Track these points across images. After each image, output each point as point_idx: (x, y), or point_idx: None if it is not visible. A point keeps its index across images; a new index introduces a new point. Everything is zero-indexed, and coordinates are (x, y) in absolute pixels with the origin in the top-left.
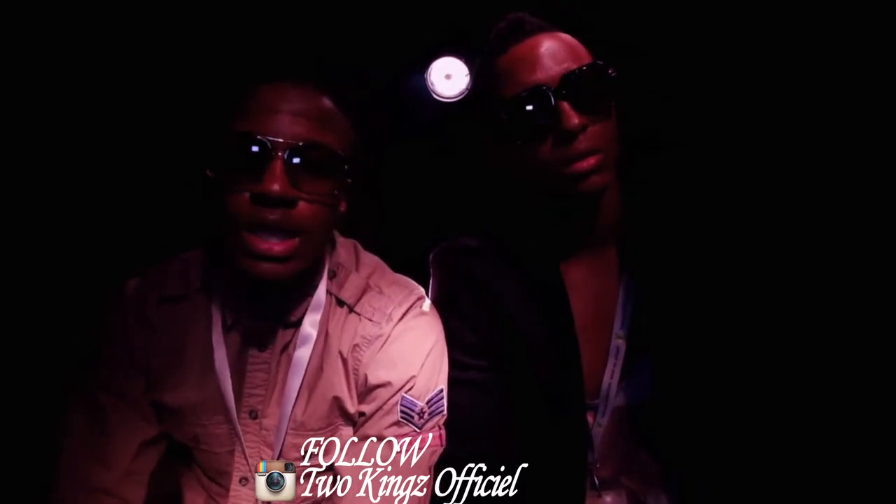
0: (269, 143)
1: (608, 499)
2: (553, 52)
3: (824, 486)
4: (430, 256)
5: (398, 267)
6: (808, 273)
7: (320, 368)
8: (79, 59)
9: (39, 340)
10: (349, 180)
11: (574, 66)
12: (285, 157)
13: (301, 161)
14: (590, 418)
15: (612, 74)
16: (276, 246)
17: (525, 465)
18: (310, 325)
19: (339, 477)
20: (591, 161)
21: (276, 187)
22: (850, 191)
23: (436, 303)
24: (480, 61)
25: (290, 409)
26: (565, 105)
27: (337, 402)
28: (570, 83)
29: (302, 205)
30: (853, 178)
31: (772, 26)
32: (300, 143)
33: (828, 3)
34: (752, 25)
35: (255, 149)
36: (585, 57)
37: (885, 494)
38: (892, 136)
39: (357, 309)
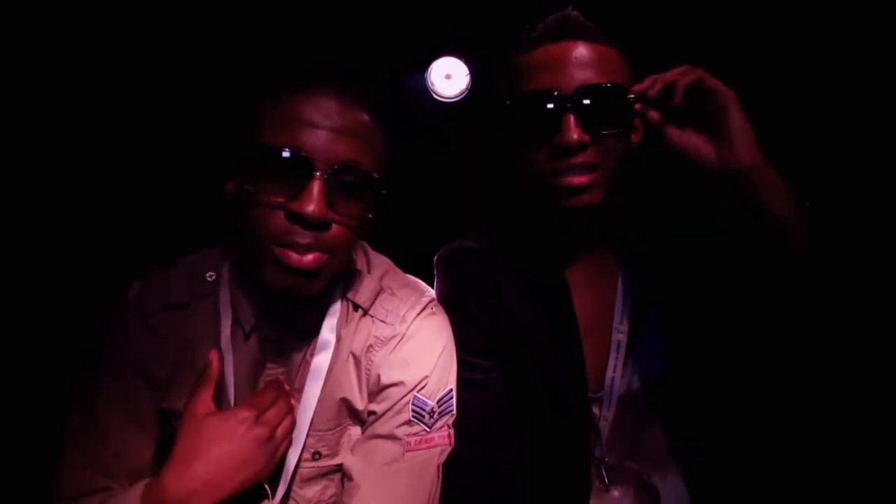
0: (308, 161)
1: (615, 493)
2: (582, 61)
3: (828, 463)
4: (435, 258)
5: (398, 267)
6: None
7: (331, 370)
8: (92, 62)
9: (42, 343)
10: (383, 200)
11: (595, 81)
12: (325, 177)
13: (339, 183)
14: (596, 411)
15: (631, 97)
16: (305, 258)
17: (531, 462)
18: (328, 332)
19: (348, 476)
20: (583, 179)
21: (312, 208)
22: (850, 188)
23: (442, 303)
24: (514, 51)
25: (311, 414)
26: (570, 117)
27: (345, 403)
28: (583, 96)
29: (334, 226)
30: (854, 177)
31: (772, 28)
32: (340, 165)
33: (827, 4)
34: (752, 28)
35: (292, 165)
36: (617, 74)
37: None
38: (892, 137)
39: (371, 312)
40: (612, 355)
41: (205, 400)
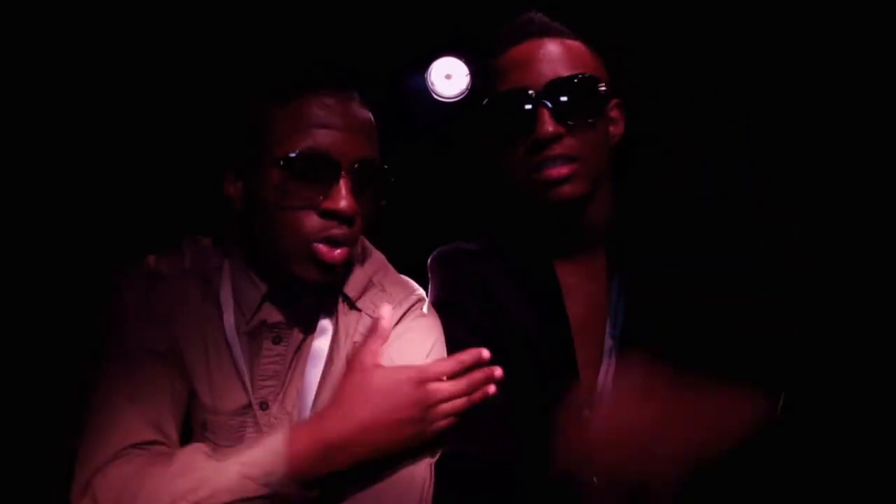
0: (334, 161)
1: (609, 495)
2: (550, 57)
3: (820, 482)
4: (429, 260)
5: (396, 267)
6: (811, 276)
7: (331, 362)
8: (99, 61)
9: (42, 342)
10: (388, 188)
11: (565, 74)
12: (349, 174)
13: (360, 177)
14: (586, 414)
15: (603, 87)
16: (337, 253)
17: (528, 462)
18: (326, 319)
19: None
20: (562, 170)
21: (344, 204)
22: (854, 194)
23: (435, 305)
24: (485, 58)
25: (311, 399)
26: (544, 112)
27: None
28: (553, 90)
29: (358, 218)
30: (858, 182)
31: (769, 27)
32: (360, 161)
33: (827, 3)
34: (748, 26)
35: (321, 167)
36: (586, 66)
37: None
38: (891, 137)
39: (359, 304)
40: (605, 360)
41: (374, 352)
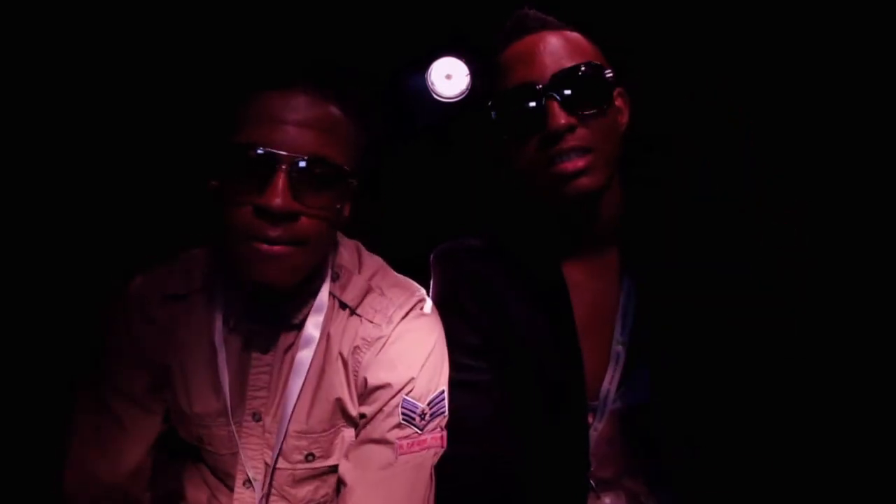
0: (272, 156)
1: (607, 500)
2: (552, 50)
3: (814, 490)
4: (431, 257)
5: (397, 267)
6: (811, 276)
7: (322, 371)
8: (82, 61)
9: (45, 340)
10: (353, 190)
11: (569, 65)
12: (289, 170)
13: (305, 175)
14: (589, 419)
15: (609, 74)
16: (274, 248)
17: (529, 462)
18: (313, 328)
19: (342, 482)
20: (578, 163)
21: (277, 201)
22: (854, 194)
23: (437, 303)
24: (486, 57)
25: (290, 410)
26: (553, 104)
27: (339, 404)
28: (560, 82)
29: (304, 218)
30: (858, 182)
31: (769, 27)
32: (305, 157)
33: (827, 3)
34: (748, 26)
35: (257, 161)
36: (588, 55)
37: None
38: (891, 137)
39: (359, 311)
40: (611, 366)
41: None
